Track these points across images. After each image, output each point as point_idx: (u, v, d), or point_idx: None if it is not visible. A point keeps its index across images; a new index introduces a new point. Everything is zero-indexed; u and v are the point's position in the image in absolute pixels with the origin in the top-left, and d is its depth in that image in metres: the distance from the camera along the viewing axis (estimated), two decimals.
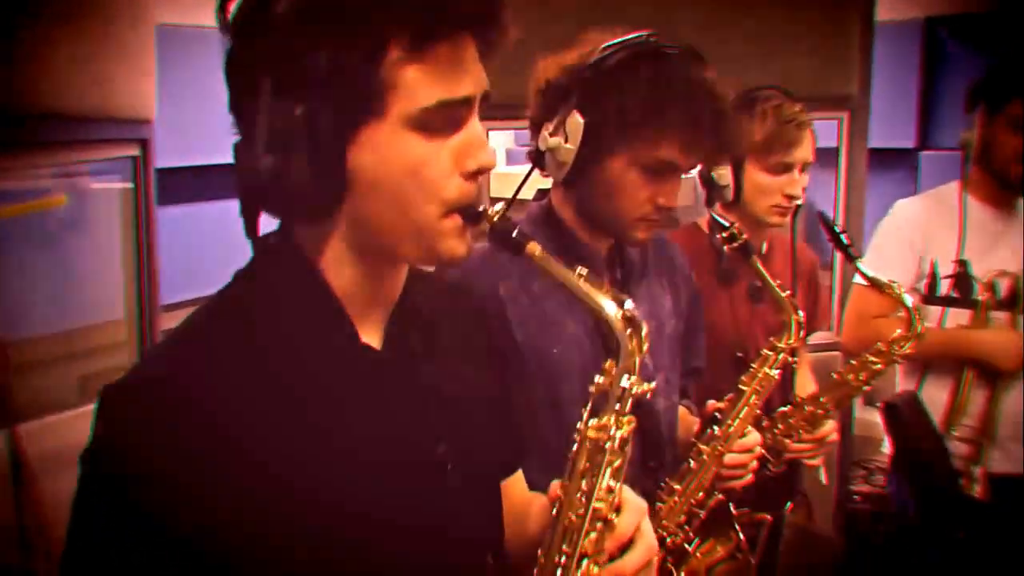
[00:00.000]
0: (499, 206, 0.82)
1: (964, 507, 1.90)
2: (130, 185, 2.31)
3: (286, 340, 0.81)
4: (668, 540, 1.36)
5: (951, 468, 1.94)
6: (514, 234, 0.82)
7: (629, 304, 0.83)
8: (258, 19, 0.74)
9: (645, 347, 0.85)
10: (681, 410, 1.57)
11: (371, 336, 0.86)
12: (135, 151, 2.18)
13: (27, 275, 2.29)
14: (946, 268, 2.06)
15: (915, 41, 3.79)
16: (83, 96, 1.83)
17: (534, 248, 0.83)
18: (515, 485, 1.09)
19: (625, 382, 0.85)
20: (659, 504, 1.38)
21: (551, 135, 1.27)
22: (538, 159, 1.32)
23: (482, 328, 1.05)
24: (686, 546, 1.38)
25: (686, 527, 1.39)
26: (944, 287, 2.07)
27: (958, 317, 2.06)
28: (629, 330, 0.84)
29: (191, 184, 3.22)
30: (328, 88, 0.73)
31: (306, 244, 0.82)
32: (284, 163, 0.73)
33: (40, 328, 2.38)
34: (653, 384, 0.88)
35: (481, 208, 0.81)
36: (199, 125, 2.92)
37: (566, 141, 1.25)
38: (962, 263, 2.05)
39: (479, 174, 0.80)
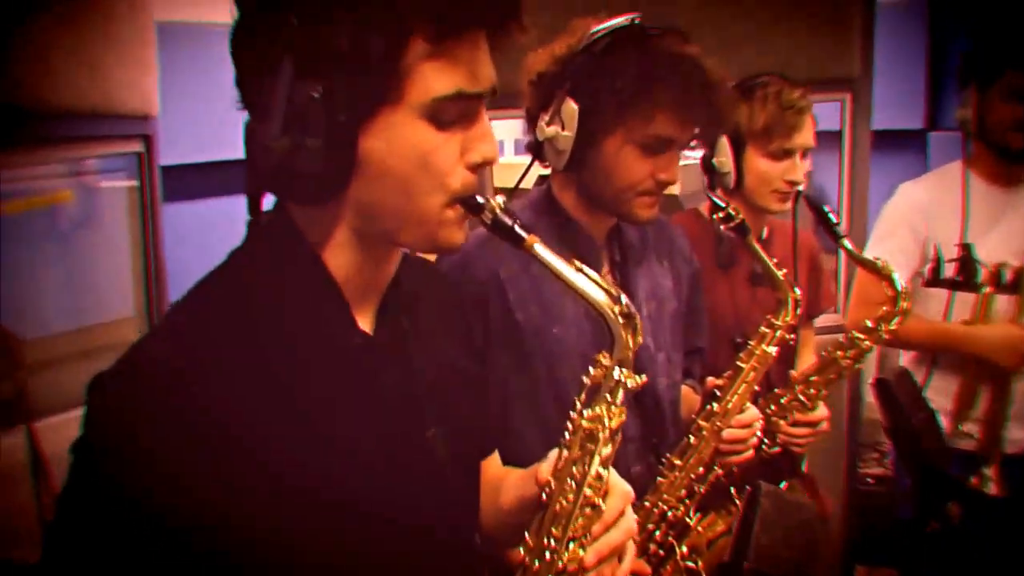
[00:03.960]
0: (500, 198, 0.83)
1: (957, 488, 1.90)
2: (136, 183, 2.33)
3: (282, 322, 0.80)
4: (669, 514, 1.37)
5: (942, 440, 1.92)
6: (516, 227, 0.83)
7: (624, 299, 0.85)
8: None
9: (639, 341, 0.87)
10: (685, 389, 1.58)
11: (364, 320, 0.87)
12: (139, 147, 2.19)
13: (40, 275, 2.31)
14: (950, 251, 2.03)
15: (922, 20, 3.71)
16: (85, 93, 1.85)
17: (533, 240, 0.84)
18: (492, 463, 1.11)
19: (618, 374, 0.87)
20: (660, 479, 1.40)
21: (548, 125, 1.29)
22: (537, 150, 1.34)
23: (465, 315, 1.08)
24: (687, 520, 1.40)
25: (687, 501, 1.40)
26: (948, 271, 2.04)
27: (964, 301, 2.03)
28: (623, 322, 0.85)
29: (197, 180, 3.23)
30: (349, 72, 0.73)
31: (306, 227, 0.82)
32: (297, 143, 0.73)
33: (54, 327, 2.40)
34: (644, 378, 0.89)
35: (482, 200, 0.82)
36: (203, 122, 2.93)
37: (563, 128, 1.27)
38: (966, 247, 2.01)
39: (483, 166, 0.82)
